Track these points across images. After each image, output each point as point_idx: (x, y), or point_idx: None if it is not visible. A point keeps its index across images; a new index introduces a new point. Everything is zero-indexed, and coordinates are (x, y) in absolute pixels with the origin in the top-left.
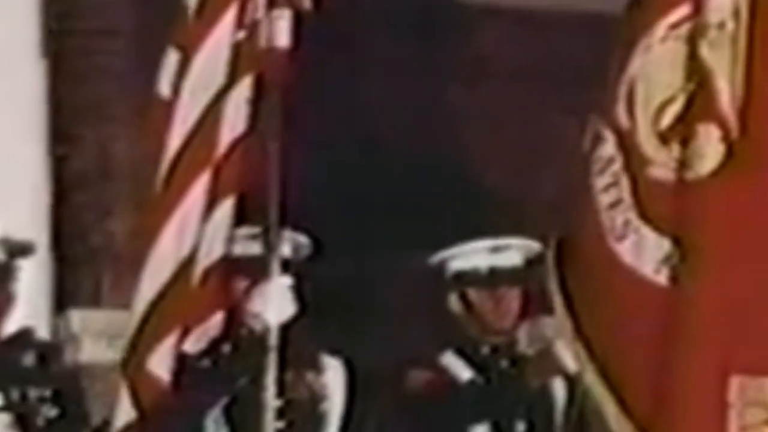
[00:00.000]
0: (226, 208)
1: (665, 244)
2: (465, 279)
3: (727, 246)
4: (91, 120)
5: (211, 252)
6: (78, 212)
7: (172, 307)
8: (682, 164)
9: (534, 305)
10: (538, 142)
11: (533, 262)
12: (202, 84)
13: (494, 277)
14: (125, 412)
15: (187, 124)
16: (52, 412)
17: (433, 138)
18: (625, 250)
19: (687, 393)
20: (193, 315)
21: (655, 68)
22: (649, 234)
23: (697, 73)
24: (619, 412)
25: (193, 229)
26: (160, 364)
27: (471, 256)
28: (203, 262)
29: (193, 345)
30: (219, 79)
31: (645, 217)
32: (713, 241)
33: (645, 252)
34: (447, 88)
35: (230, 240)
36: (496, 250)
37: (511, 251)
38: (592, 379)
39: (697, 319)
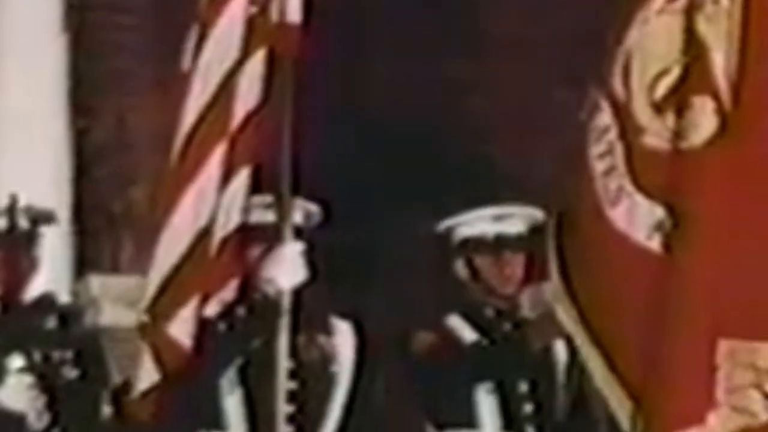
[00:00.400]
0: (241, 179)
1: (657, 211)
2: (471, 245)
3: (719, 213)
4: (109, 93)
5: (228, 222)
6: (98, 182)
7: (191, 275)
8: (677, 134)
9: (537, 271)
10: (541, 115)
11: (536, 230)
12: (218, 58)
13: (499, 244)
14: (149, 374)
15: (202, 97)
16: (73, 373)
17: (439, 110)
18: (618, 216)
19: (677, 356)
20: (212, 283)
21: (651, 40)
22: (641, 201)
23: (693, 46)
24: (609, 374)
25: (210, 200)
26: (181, 329)
27: (477, 223)
28: (220, 231)
29: (209, 309)
30: (233, 53)
31: (638, 184)
32: (706, 208)
33: (638, 218)
34: (452, 61)
35: (246, 210)
36: (500, 217)
37: (515, 219)
38: (582, 342)
39: (688, 284)
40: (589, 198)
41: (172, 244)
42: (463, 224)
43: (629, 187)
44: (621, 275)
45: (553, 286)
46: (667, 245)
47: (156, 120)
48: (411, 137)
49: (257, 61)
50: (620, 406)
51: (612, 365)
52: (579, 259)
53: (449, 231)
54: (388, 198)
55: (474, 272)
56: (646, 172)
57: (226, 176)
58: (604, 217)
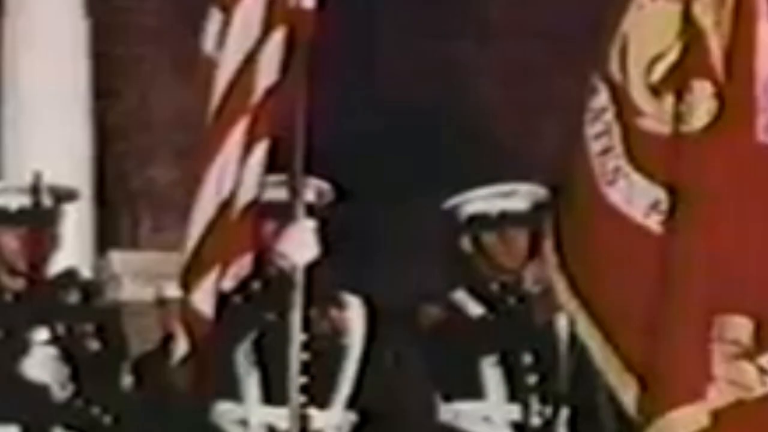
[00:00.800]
0: (260, 151)
1: (654, 191)
2: (476, 222)
3: (715, 195)
4: (130, 75)
5: (248, 192)
6: (118, 161)
7: (212, 247)
8: (677, 118)
9: (541, 246)
10: (542, 98)
11: (540, 206)
12: (241, 38)
13: (503, 220)
14: (182, 345)
15: (227, 75)
16: (94, 345)
17: (446, 92)
18: (614, 195)
19: (675, 332)
20: (232, 252)
21: (647, 25)
22: (638, 180)
23: (689, 31)
24: (604, 344)
25: (233, 172)
26: (203, 300)
27: (482, 200)
28: (242, 200)
29: (226, 283)
30: (254, 33)
31: (635, 164)
32: (704, 190)
33: (634, 197)
34: (459, 45)
35: (264, 182)
36: (505, 195)
37: (519, 196)
38: (578, 317)
39: (685, 263)
40: (586, 177)
41: (198, 217)
42: (469, 201)
43: (626, 167)
44: (618, 251)
45: (550, 263)
46: (664, 224)
47: (174, 101)
48: (420, 118)
49: (276, 41)
50: (621, 383)
51: (606, 335)
52: (576, 236)
53: (456, 208)
54: (398, 177)
55: (480, 248)
56: (643, 152)
57: (247, 149)
58: (601, 195)
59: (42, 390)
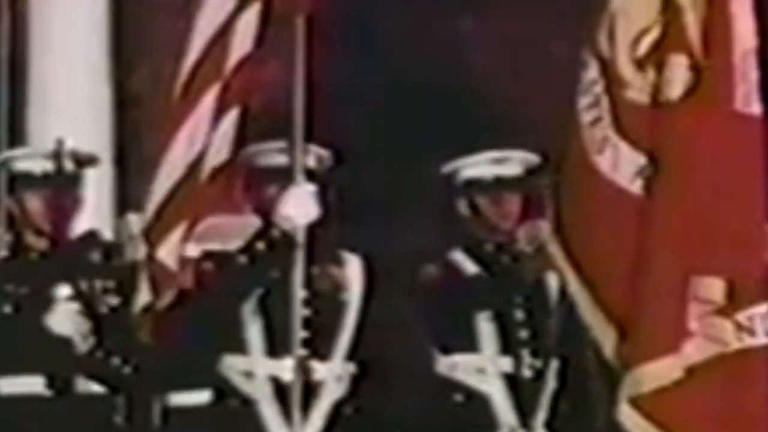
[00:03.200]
0: (232, 117)
1: (639, 158)
2: (473, 186)
3: (690, 162)
4: (145, 49)
5: (219, 155)
6: (134, 128)
7: (180, 205)
8: (656, 89)
9: (533, 209)
10: (537, 69)
11: (532, 172)
12: (216, 8)
13: (498, 185)
14: (144, 295)
15: (201, 43)
16: (114, 300)
17: (445, 62)
18: (603, 163)
19: (653, 290)
20: (200, 210)
21: (634, 3)
22: (624, 148)
23: (669, 9)
24: (592, 303)
25: (203, 135)
26: (168, 254)
27: (478, 166)
28: (211, 162)
29: (231, 244)
30: (230, 4)
31: (622, 133)
32: (680, 156)
33: (621, 164)
34: (457, 16)
35: (242, 147)
36: (500, 161)
37: (513, 162)
38: (568, 275)
39: (664, 225)
40: (578, 145)
41: (167, 174)
42: (465, 167)
43: (614, 137)
44: (606, 214)
45: (546, 226)
46: (647, 189)
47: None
48: (418, 87)
49: (252, 13)
50: (604, 335)
51: (594, 293)
52: (571, 203)
53: (453, 173)
54: (399, 143)
55: (475, 210)
56: (628, 122)
57: (219, 114)
58: (591, 163)
59: (65, 342)
